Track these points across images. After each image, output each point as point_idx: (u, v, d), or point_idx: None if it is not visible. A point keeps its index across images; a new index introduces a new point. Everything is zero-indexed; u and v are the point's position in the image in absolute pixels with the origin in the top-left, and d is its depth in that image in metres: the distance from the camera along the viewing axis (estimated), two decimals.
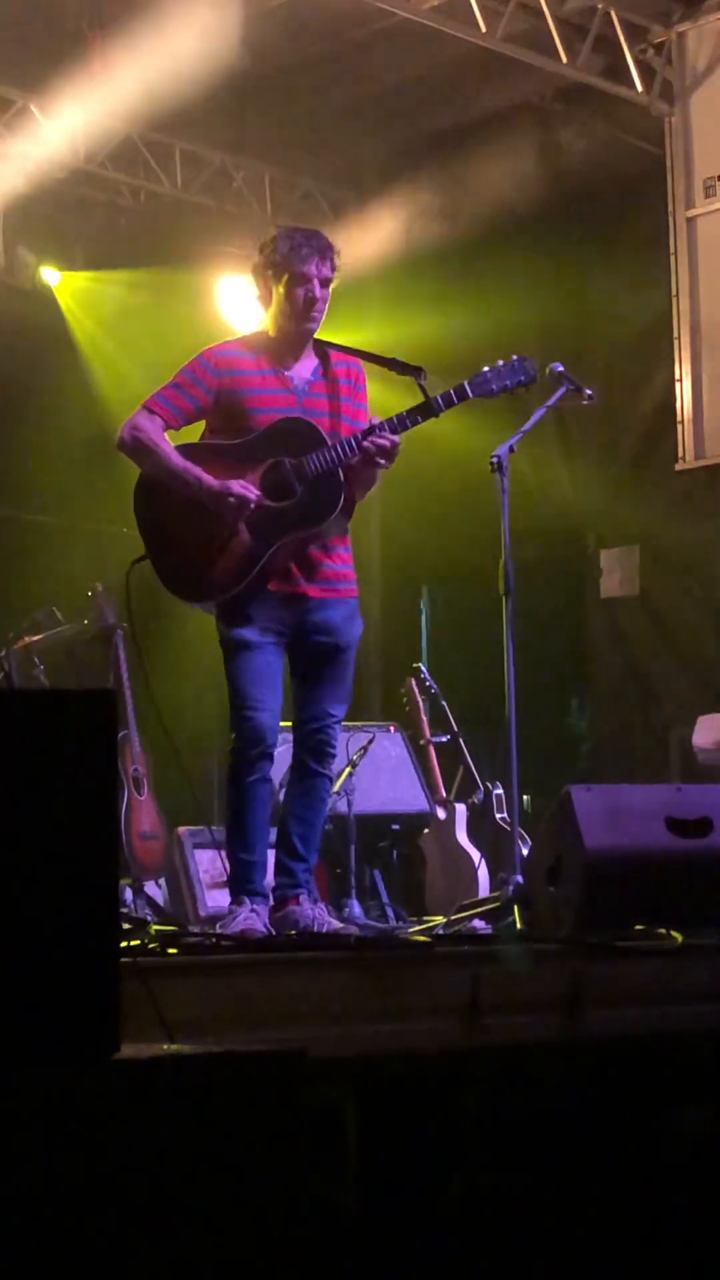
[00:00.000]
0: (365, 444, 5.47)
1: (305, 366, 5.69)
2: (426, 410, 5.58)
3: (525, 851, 6.08)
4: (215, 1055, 2.45)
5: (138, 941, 4.20)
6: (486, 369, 5.77)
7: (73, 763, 2.36)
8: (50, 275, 9.56)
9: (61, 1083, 2.20)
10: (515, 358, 5.81)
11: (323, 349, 5.73)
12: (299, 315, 5.60)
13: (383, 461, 5.52)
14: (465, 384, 5.71)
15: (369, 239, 9.72)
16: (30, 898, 2.30)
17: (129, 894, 7.41)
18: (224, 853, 5.77)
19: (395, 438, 5.49)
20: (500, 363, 5.79)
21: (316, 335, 5.71)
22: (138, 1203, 2.22)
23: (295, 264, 5.57)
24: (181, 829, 7.91)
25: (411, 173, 9.91)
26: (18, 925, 2.29)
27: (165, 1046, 2.54)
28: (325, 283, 5.62)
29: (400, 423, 5.56)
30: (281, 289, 5.61)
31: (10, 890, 2.29)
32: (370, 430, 5.50)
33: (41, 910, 2.31)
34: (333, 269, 5.63)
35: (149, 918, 7.15)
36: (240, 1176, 2.36)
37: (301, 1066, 2.53)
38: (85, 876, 2.35)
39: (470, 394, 5.71)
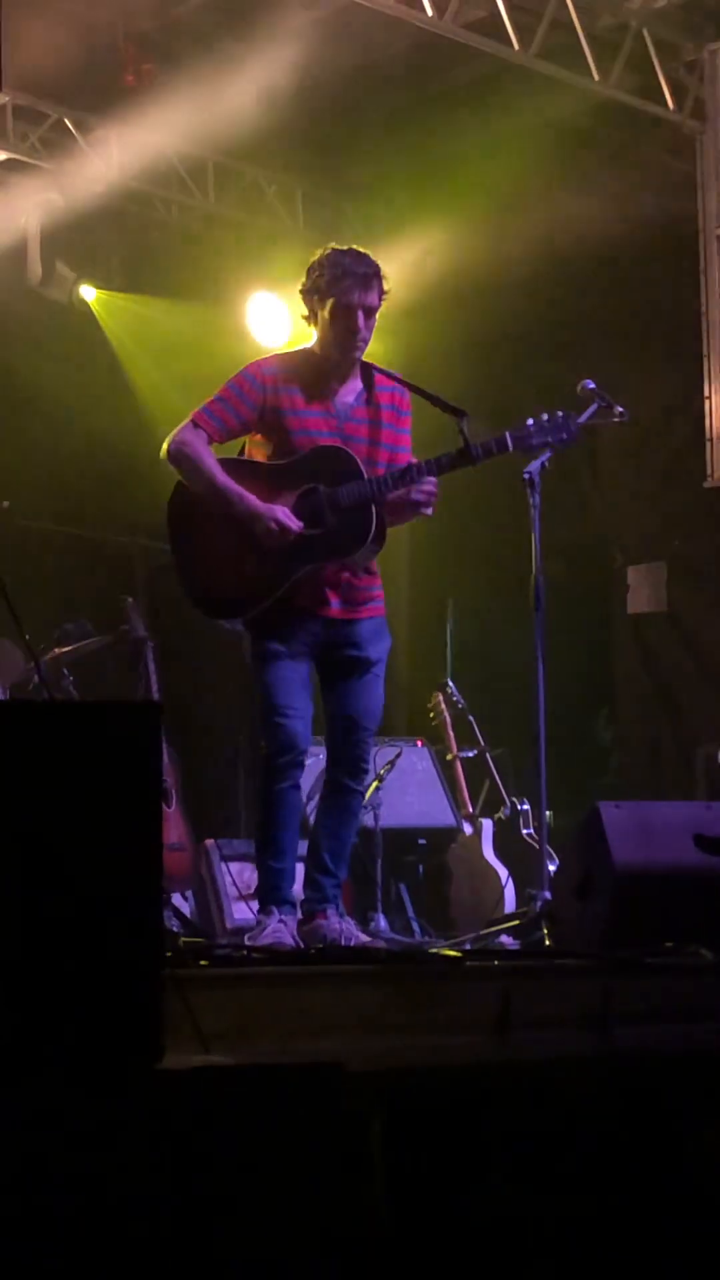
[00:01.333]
0: (415, 496, 5.47)
1: (349, 390, 5.70)
2: (465, 458, 5.56)
3: (553, 868, 6.08)
4: (254, 1068, 2.47)
5: (170, 953, 4.19)
6: (530, 422, 5.75)
7: (118, 774, 2.37)
8: (87, 291, 9.59)
9: (105, 1093, 2.21)
10: (560, 414, 5.80)
11: (369, 372, 5.73)
12: (340, 345, 5.61)
13: (425, 509, 5.54)
14: (507, 435, 5.70)
15: (399, 255, 9.73)
16: (75, 909, 2.32)
17: None
18: (251, 865, 5.78)
19: (430, 487, 5.50)
20: (545, 416, 5.77)
21: (364, 359, 5.73)
22: (176, 1209, 2.23)
23: (338, 293, 5.56)
24: (209, 841, 7.92)
25: (442, 188, 9.92)
26: (63, 936, 2.31)
27: (204, 1058, 2.55)
28: (370, 311, 5.60)
29: (438, 467, 5.56)
30: (326, 315, 5.61)
31: (55, 901, 2.30)
32: (410, 473, 5.50)
33: (86, 921, 2.32)
34: (379, 296, 5.61)
35: (176, 929, 7.17)
36: (277, 1186, 2.37)
37: (338, 1080, 2.54)
38: (129, 888, 2.37)
39: (510, 448, 5.70)
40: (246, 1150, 2.35)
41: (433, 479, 5.52)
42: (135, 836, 2.38)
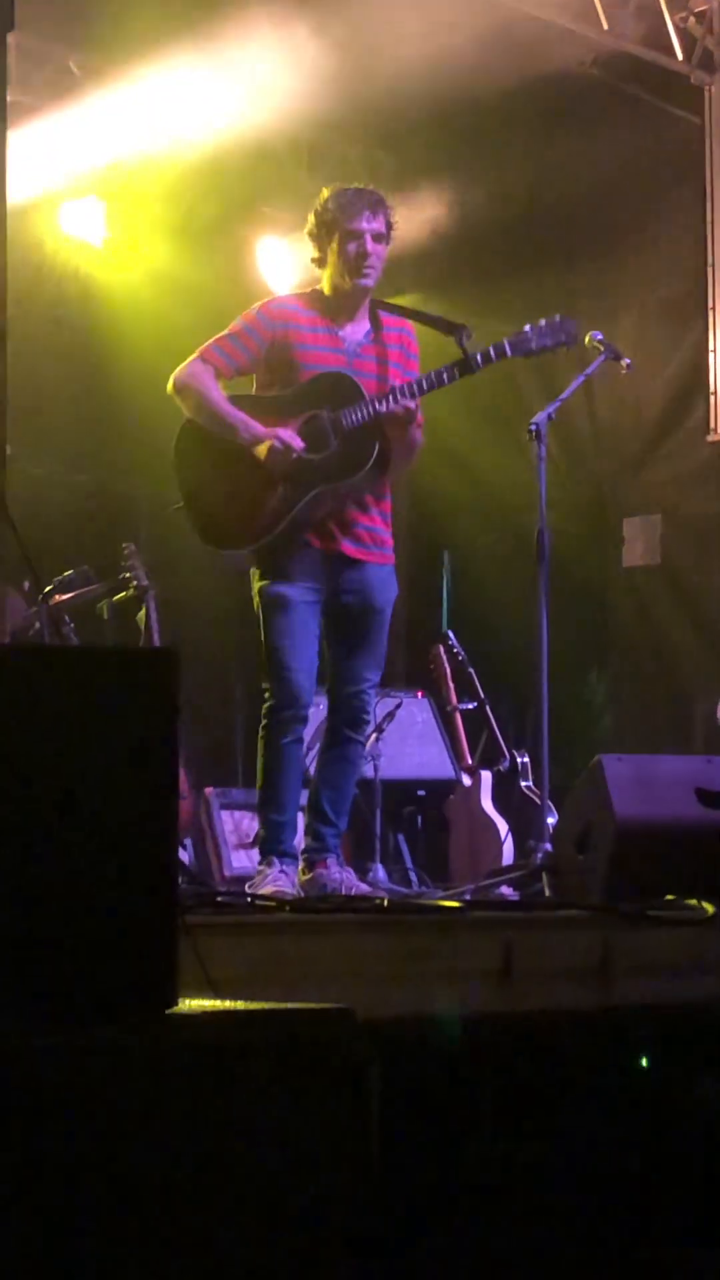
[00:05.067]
0: (382, 409, 5.48)
1: (358, 328, 5.71)
2: (465, 366, 5.60)
3: (553, 820, 6.10)
4: (267, 1011, 2.48)
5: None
6: (528, 327, 5.78)
7: (135, 721, 2.37)
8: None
9: (120, 1037, 2.22)
10: (557, 317, 5.82)
11: (375, 312, 5.74)
12: (352, 270, 5.61)
13: (404, 432, 5.54)
14: (505, 342, 5.73)
15: (407, 205, 9.69)
16: (91, 855, 2.33)
17: None
18: (249, 813, 5.80)
19: (410, 403, 5.50)
20: (542, 322, 5.79)
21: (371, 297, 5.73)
22: (189, 1150, 2.25)
23: (346, 220, 5.59)
24: (209, 789, 7.94)
25: (451, 140, 9.87)
26: (79, 882, 2.32)
27: (215, 1003, 2.56)
28: (378, 237, 5.62)
29: (438, 378, 5.59)
30: (334, 246, 5.63)
31: (71, 847, 2.31)
32: (391, 393, 5.52)
33: (102, 867, 2.33)
34: (386, 225, 5.64)
35: None
36: (289, 1131, 2.39)
37: (349, 1025, 2.55)
38: (145, 835, 2.37)
39: (509, 353, 5.72)
40: (257, 1095, 2.37)
41: (409, 401, 5.51)
42: (153, 783, 2.38)
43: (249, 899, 4.87)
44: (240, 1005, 2.50)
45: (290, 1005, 2.54)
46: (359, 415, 5.53)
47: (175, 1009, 2.40)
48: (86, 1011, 2.26)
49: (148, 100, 8.73)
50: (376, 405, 5.52)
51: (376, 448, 5.55)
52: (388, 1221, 4.00)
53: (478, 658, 8.55)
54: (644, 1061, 4.35)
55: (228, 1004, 2.49)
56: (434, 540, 10.00)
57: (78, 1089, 2.10)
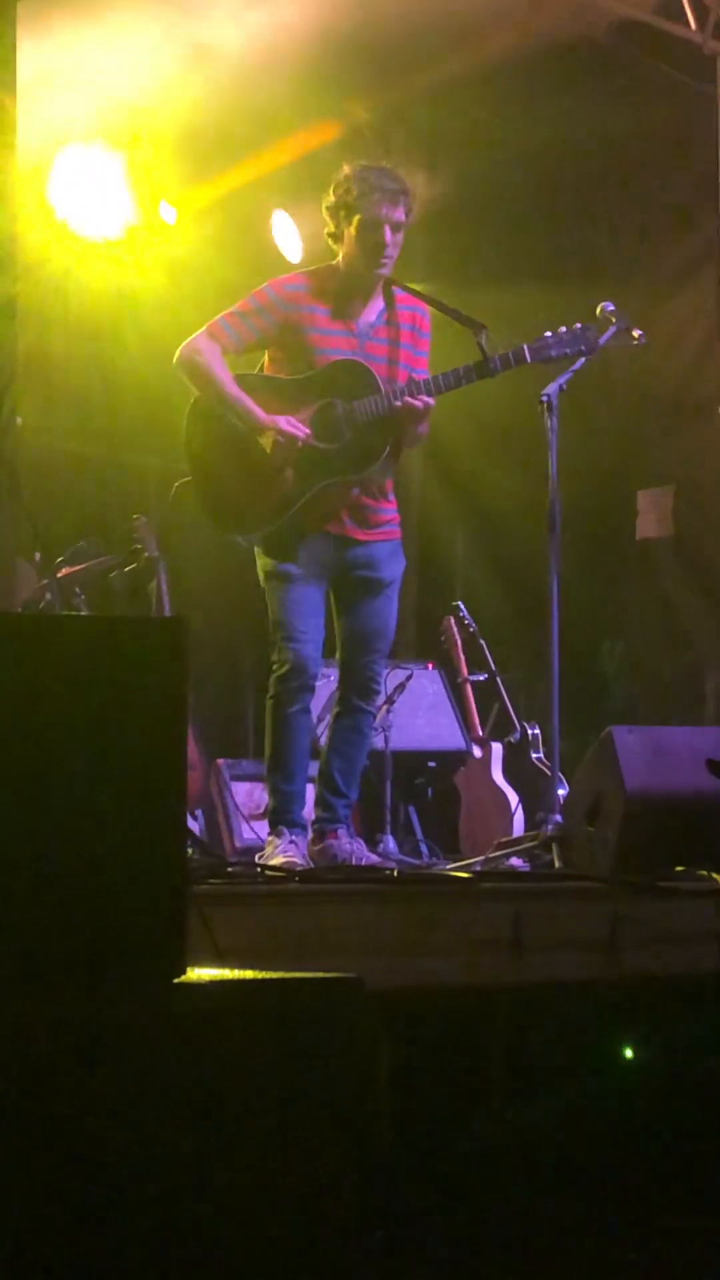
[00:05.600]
0: (398, 404, 5.46)
1: (371, 310, 5.68)
2: (482, 370, 5.58)
3: (563, 792, 6.10)
4: (274, 981, 2.48)
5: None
6: (549, 334, 5.75)
7: (146, 689, 2.37)
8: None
9: (130, 1005, 2.22)
10: (579, 325, 5.81)
11: (390, 291, 5.71)
12: (368, 259, 5.58)
13: (416, 425, 5.52)
14: (525, 348, 5.71)
15: (416, 174, 9.65)
16: (102, 822, 2.33)
17: None
18: (260, 785, 5.80)
19: (430, 400, 5.48)
20: (563, 329, 5.78)
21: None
22: (196, 1116, 2.26)
23: (366, 207, 5.53)
24: (220, 761, 7.93)
25: (462, 108, 9.83)
26: (90, 850, 2.32)
27: (223, 972, 2.56)
28: (396, 227, 5.58)
29: (455, 379, 5.57)
30: (352, 230, 5.58)
31: (82, 815, 2.31)
32: (408, 388, 5.50)
33: (113, 835, 2.33)
34: (406, 213, 5.59)
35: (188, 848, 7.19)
36: (295, 1097, 2.39)
37: (358, 995, 2.55)
38: (155, 803, 2.38)
39: (529, 359, 5.72)
40: (265, 1064, 2.37)
41: (428, 398, 5.49)
42: (164, 751, 2.39)
43: (259, 869, 4.87)
44: (248, 974, 2.51)
45: (297, 975, 2.55)
46: (374, 409, 5.50)
47: (184, 978, 2.40)
48: (96, 980, 2.26)
49: (151, 65, 8.68)
50: (393, 401, 5.48)
51: (390, 442, 5.53)
52: (397, 1189, 4.01)
53: (490, 630, 8.53)
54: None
55: (235, 973, 2.49)
56: (447, 513, 9.98)
57: (86, 1056, 2.10)
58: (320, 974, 2.65)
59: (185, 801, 2.45)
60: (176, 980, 2.38)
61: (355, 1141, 2.46)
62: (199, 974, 2.47)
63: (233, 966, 2.89)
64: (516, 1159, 4.26)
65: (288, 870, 4.94)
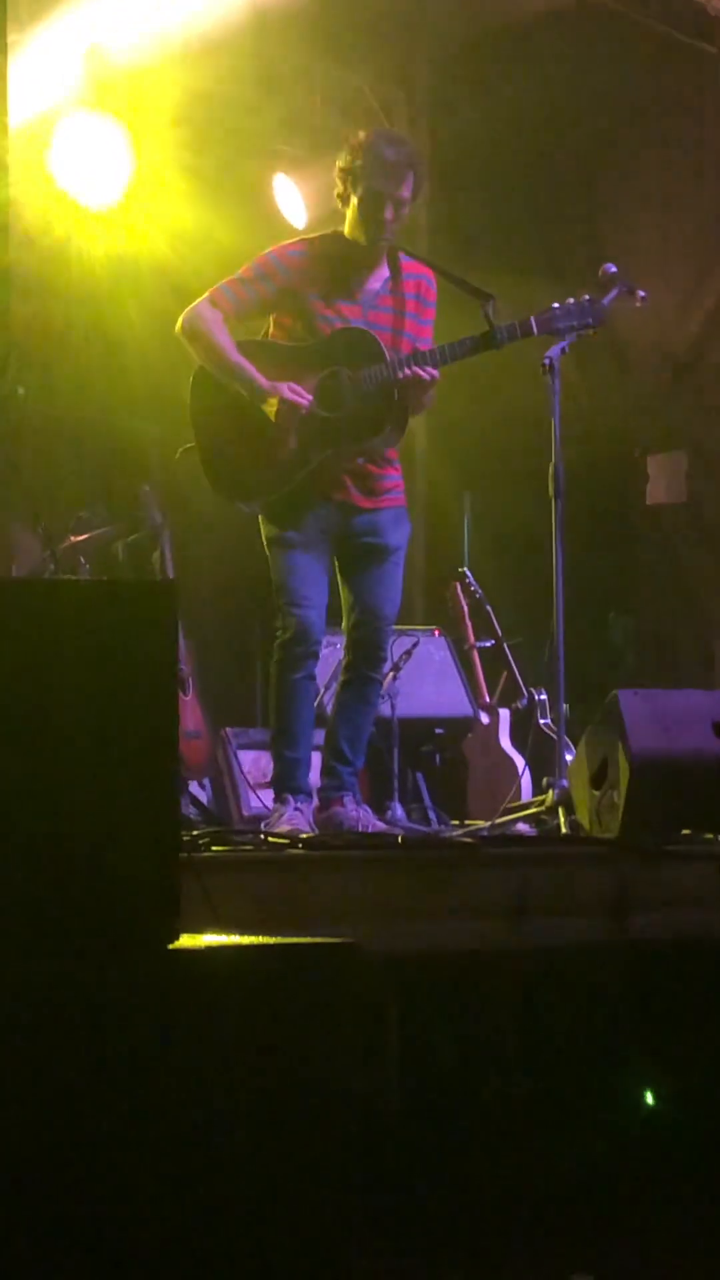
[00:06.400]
0: (403, 374, 5.43)
1: (376, 277, 5.65)
2: (489, 341, 5.55)
3: (569, 756, 6.07)
4: (269, 946, 2.47)
5: (187, 838, 4.21)
6: (555, 306, 5.72)
7: (135, 652, 2.36)
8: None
9: (122, 970, 2.21)
10: (586, 298, 5.78)
11: (395, 257, 5.67)
12: (369, 232, 5.55)
13: (422, 395, 5.49)
14: (532, 320, 5.67)
15: (419, 140, 9.60)
16: (92, 787, 2.31)
17: None
18: (268, 753, 5.79)
19: (435, 372, 5.46)
20: (570, 301, 5.75)
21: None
22: (190, 1082, 2.25)
23: (374, 182, 5.49)
24: (227, 729, 7.92)
25: (461, 70, 9.77)
26: (81, 817, 2.30)
27: (219, 939, 2.55)
28: (400, 204, 5.53)
29: (461, 350, 5.53)
30: (357, 199, 5.54)
31: (73, 780, 2.30)
32: (413, 359, 5.46)
33: (104, 801, 2.32)
34: (411, 189, 5.55)
35: (194, 816, 7.19)
36: (292, 1063, 2.38)
37: (353, 959, 2.54)
38: (146, 768, 2.36)
39: (535, 331, 5.68)
40: (260, 1028, 2.36)
41: (433, 369, 5.46)
42: (153, 716, 2.37)
43: (263, 837, 4.85)
44: (243, 940, 2.49)
45: (292, 939, 2.53)
46: (378, 378, 5.47)
47: (178, 944, 2.39)
48: (88, 946, 2.25)
49: (151, 31, 8.63)
50: (399, 371, 5.45)
51: (394, 413, 5.50)
52: (408, 1149, 4.02)
53: (500, 596, 8.50)
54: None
55: (230, 939, 2.48)
56: (454, 479, 9.94)
57: (79, 1021, 2.09)
58: (318, 939, 2.63)
59: (177, 765, 2.43)
60: (171, 946, 2.36)
61: (353, 1106, 2.44)
62: (194, 940, 2.45)
63: (235, 933, 2.88)
64: (524, 1123, 4.27)
65: (291, 837, 4.93)
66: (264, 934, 2.88)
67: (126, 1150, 2.19)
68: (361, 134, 5.61)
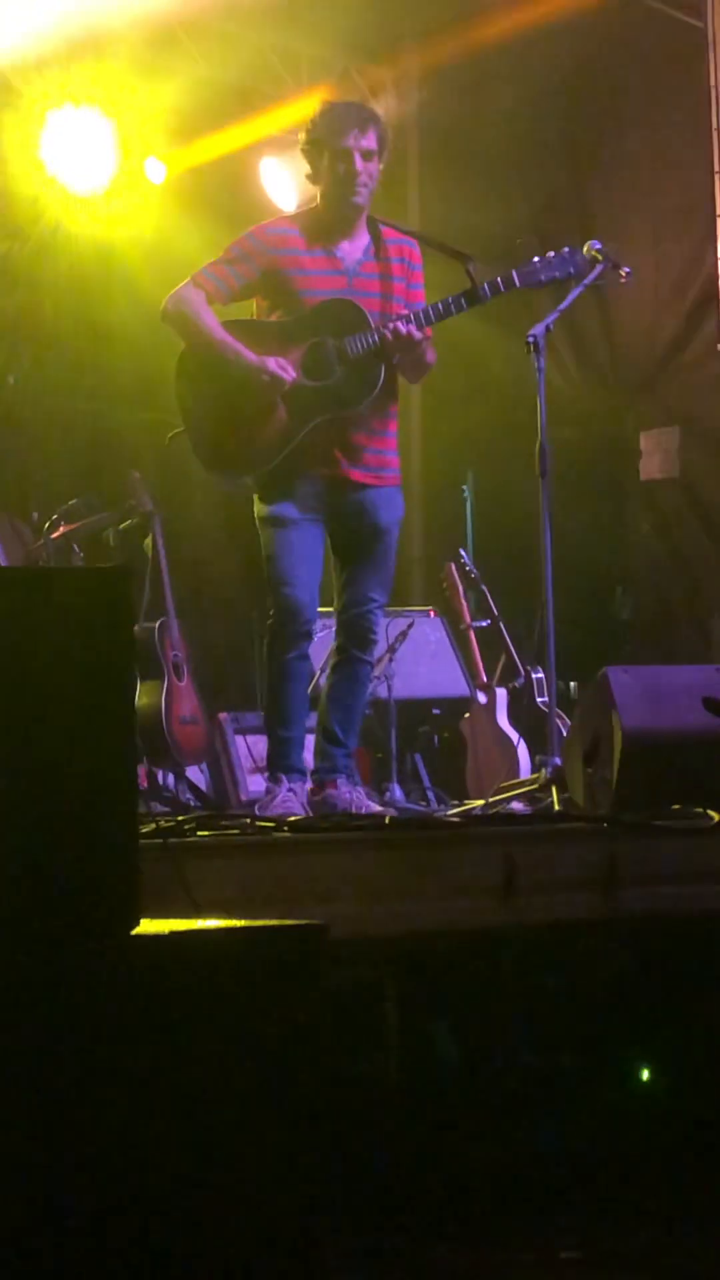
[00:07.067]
0: (387, 333, 5.43)
1: (357, 245, 5.64)
2: (472, 297, 5.56)
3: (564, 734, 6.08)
4: (233, 931, 2.47)
5: (171, 823, 4.22)
6: (536, 259, 5.73)
7: (89, 640, 2.35)
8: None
9: (80, 958, 2.21)
10: (566, 249, 5.79)
11: (375, 227, 5.68)
12: (342, 190, 5.56)
13: (411, 356, 5.48)
14: (513, 273, 5.68)
15: (405, 117, 9.59)
16: (48, 775, 2.31)
17: (171, 779, 7.45)
18: (264, 737, 5.79)
19: (416, 331, 5.45)
20: (551, 254, 5.76)
21: (371, 214, 5.67)
22: (154, 1074, 2.25)
23: (334, 138, 5.52)
24: (223, 714, 7.93)
25: (448, 49, 9.74)
26: (36, 804, 2.30)
27: (186, 924, 2.55)
28: (367, 154, 5.54)
29: (445, 308, 5.55)
30: (325, 164, 5.57)
31: (28, 767, 2.30)
32: (417, 316, 5.48)
33: (59, 789, 2.32)
34: (376, 140, 5.55)
35: (191, 802, 7.21)
36: (260, 1050, 2.38)
37: (322, 942, 2.54)
38: (102, 755, 2.36)
39: (518, 283, 5.69)
40: (227, 1014, 2.36)
41: (414, 328, 5.46)
42: (107, 703, 2.36)
43: (250, 820, 4.86)
44: (206, 925, 2.49)
45: (257, 923, 2.53)
46: (363, 342, 5.47)
47: (139, 930, 2.39)
48: (44, 934, 2.25)
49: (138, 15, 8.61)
50: (383, 332, 5.45)
51: (382, 375, 5.50)
52: (409, 1126, 4.03)
53: (499, 575, 8.50)
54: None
55: (191, 924, 2.48)
56: (453, 459, 9.93)
57: (32, 1012, 2.09)
58: (285, 921, 2.63)
59: (134, 752, 2.43)
60: (128, 934, 2.36)
61: (320, 1092, 2.44)
62: (157, 926, 2.45)
63: (221, 918, 2.89)
64: (517, 1099, 4.27)
65: (278, 821, 4.93)
66: (250, 917, 2.89)
67: (85, 1145, 2.18)
68: (315, 107, 5.65)
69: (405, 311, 5.57)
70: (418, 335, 5.46)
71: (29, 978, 2.14)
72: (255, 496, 5.65)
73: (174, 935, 2.39)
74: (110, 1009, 2.20)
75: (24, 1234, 2.12)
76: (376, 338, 5.45)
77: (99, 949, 2.26)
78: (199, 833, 4.37)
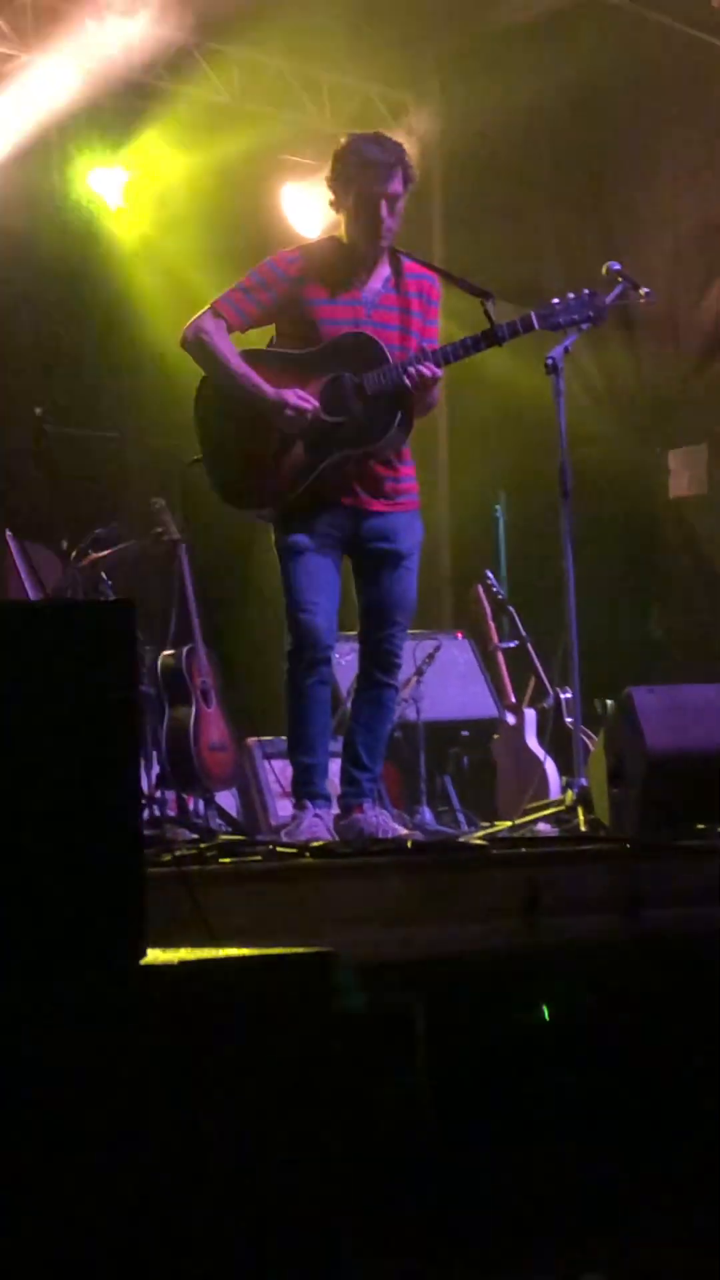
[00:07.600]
0: (409, 376, 5.44)
1: (377, 278, 5.65)
2: (490, 338, 5.55)
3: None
4: (242, 959, 2.48)
5: (193, 851, 4.24)
6: (556, 301, 5.73)
7: (92, 673, 2.37)
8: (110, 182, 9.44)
9: (85, 990, 2.22)
10: (586, 292, 5.79)
11: (397, 259, 5.68)
12: (368, 235, 5.56)
13: (425, 395, 5.50)
14: (532, 315, 5.67)
15: (428, 144, 9.61)
16: (53, 807, 2.33)
17: (201, 805, 7.47)
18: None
19: (438, 370, 5.47)
20: (571, 296, 5.76)
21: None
22: (163, 1106, 2.26)
23: (364, 181, 5.50)
24: (251, 739, 7.95)
25: (470, 75, 9.78)
26: (41, 835, 2.32)
27: (197, 952, 2.56)
28: (393, 200, 5.53)
29: (463, 348, 5.54)
30: (350, 204, 5.56)
31: (34, 798, 2.31)
32: (416, 358, 5.47)
33: (64, 819, 2.33)
34: (404, 183, 5.54)
35: (221, 828, 7.22)
36: (267, 1077, 2.39)
37: (330, 969, 2.55)
38: (107, 787, 2.37)
39: (536, 326, 5.68)
40: (235, 1043, 2.37)
41: (436, 368, 5.47)
42: (111, 735, 2.38)
43: (271, 847, 4.87)
44: (215, 953, 2.50)
45: (267, 950, 2.54)
46: (383, 380, 5.48)
47: (147, 961, 2.40)
48: (50, 968, 2.26)
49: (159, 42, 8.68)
50: (402, 373, 5.46)
51: (400, 413, 5.51)
52: (444, 1149, 4.02)
53: (529, 596, 8.50)
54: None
55: (200, 953, 2.49)
56: (483, 482, 9.93)
57: (38, 1046, 2.10)
58: (297, 949, 2.64)
59: (138, 784, 2.45)
60: (135, 964, 2.37)
61: (331, 1119, 2.45)
62: (165, 955, 2.47)
63: (239, 946, 2.89)
64: (539, 1122, 4.26)
65: (300, 847, 4.95)
66: (269, 944, 2.90)
67: (94, 1175, 2.19)
68: (343, 139, 5.64)
69: (420, 345, 5.58)
70: (435, 375, 5.48)
71: (28, 1009, 2.15)
72: (274, 526, 5.67)
73: (179, 965, 2.40)
74: (113, 1039, 2.21)
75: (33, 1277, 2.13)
76: (397, 376, 5.46)
77: (100, 981, 2.27)
78: (221, 859, 4.39)
